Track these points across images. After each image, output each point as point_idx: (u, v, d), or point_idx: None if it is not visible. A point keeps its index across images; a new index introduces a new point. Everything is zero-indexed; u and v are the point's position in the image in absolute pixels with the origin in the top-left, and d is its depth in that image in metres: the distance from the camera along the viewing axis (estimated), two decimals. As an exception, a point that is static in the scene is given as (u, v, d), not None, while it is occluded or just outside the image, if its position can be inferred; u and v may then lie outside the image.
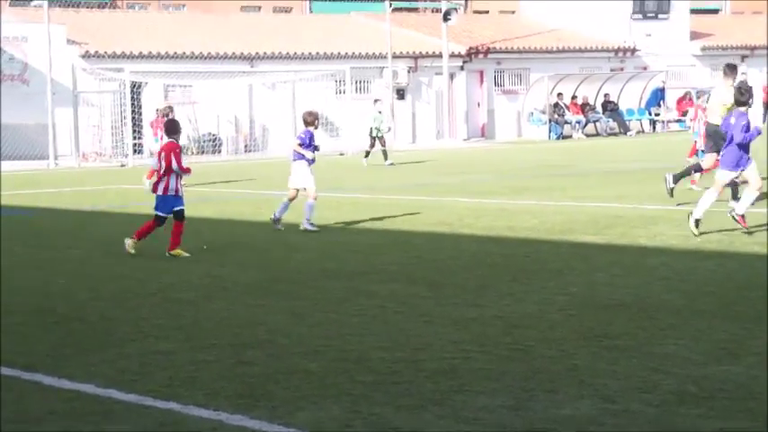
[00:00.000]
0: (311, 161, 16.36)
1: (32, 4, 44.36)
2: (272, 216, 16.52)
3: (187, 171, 14.14)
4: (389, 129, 32.00)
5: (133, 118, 36.95)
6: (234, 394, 7.24)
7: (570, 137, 46.19)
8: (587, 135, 46.62)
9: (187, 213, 19.34)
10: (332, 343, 8.74)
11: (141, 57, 39.41)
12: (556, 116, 46.51)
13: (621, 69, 50.33)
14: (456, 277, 11.81)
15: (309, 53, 42.99)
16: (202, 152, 39.58)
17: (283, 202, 16.56)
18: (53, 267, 13.39)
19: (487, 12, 61.19)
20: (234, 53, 41.56)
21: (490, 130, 47.43)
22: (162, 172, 14.01)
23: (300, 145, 16.31)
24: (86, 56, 38.56)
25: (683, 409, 6.69)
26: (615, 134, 47.63)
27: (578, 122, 46.77)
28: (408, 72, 44.70)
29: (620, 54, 50.54)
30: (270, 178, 27.65)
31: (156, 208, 14.07)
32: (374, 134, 31.79)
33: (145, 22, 44.64)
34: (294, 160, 16.45)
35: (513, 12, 57.35)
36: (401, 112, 44.65)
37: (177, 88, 40.65)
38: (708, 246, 13.50)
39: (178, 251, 13.80)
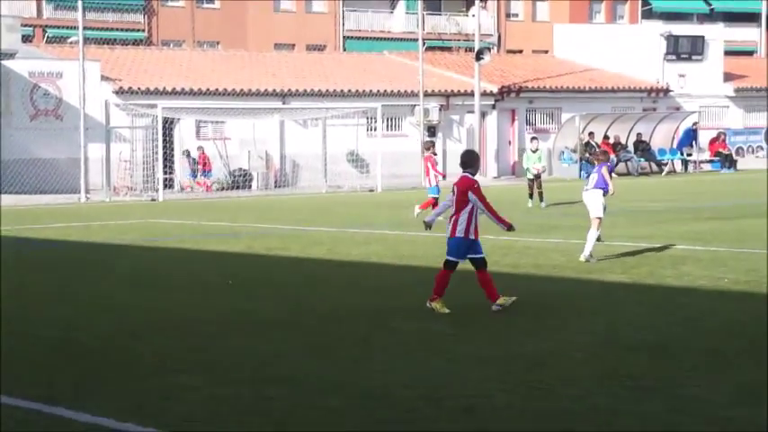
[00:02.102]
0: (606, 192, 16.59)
1: (68, 41, 44.85)
2: (586, 256, 16.05)
3: (500, 219, 12.31)
4: (543, 169, 29.22)
5: (165, 153, 37.19)
6: (253, 430, 7.21)
7: (601, 176, 46.04)
8: (618, 174, 46.43)
9: (216, 248, 19.53)
10: (353, 379, 8.71)
11: (174, 93, 39.69)
12: (587, 155, 46.41)
13: (654, 109, 50.24)
14: (480, 315, 11.76)
15: (341, 90, 43.17)
16: (233, 187, 39.75)
17: (592, 234, 16.34)
18: (79, 300, 13.43)
19: (521, 51, 61.31)
20: (266, 90, 41.79)
21: (521, 169, 47.32)
22: (455, 210, 12.08)
23: (610, 173, 16.68)
24: (120, 92, 38.89)
25: (704, 450, 6.62)
26: (646, 174, 47.48)
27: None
28: (440, 110, 44.78)
29: (653, 94, 50.46)
30: (299, 213, 27.72)
31: (448, 252, 12.11)
32: (528, 175, 29.48)
33: (179, 59, 44.99)
34: (595, 188, 16.77)
35: (547, 51, 57.43)
36: (432, 150, 44.65)
37: (209, 124, 40.92)
38: (736, 287, 13.37)
39: (503, 298, 11.95)
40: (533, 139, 31.53)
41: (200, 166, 39.80)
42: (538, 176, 29.11)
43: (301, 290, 14.13)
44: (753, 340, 10.04)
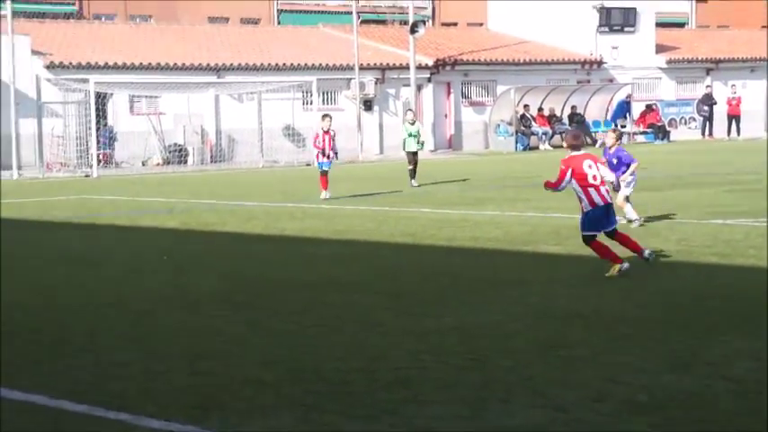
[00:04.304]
0: None
1: (-3, 14, 44.11)
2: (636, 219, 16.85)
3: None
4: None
5: (98, 128, 36.77)
6: (186, 405, 7.19)
7: (537, 148, 46.34)
8: (554, 146, 46.79)
9: (150, 223, 19.39)
10: (288, 353, 8.71)
11: (107, 67, 39.25)
12: (522, 128, 46.67)
13: (588, 82, 50.56)
14: (416, 288, 11.80)
15: (276, 64, 42.95)
16: (168, 163, 39.45)
17: (629, 208, 16.93)
18: (11, 278, 13.27)
19: (456, 24, 61.35)
20: (201, 64, 41.47)
21: (457, 142, 47.52)
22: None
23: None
24: (51, 66, 38.38)
25: (634, 418, 6.70)
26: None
27: (545, 134, 46.95)
28: (376, 83, 44.73)
29: (587, 66, 50.78)
30: (236, 188, 27.58)
31: (613, 223, 12.54)
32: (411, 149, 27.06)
33: (111, 33, 44.45)
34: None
35: (482, 24, 57.52)
36: (368, 124, 44.66)
37: (143, 99, 40.52)
38: (666, 256, 13.55)
39: (648, 250, 12.63)
40: (408, 111, 28.89)
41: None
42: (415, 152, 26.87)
43: (236, 265, 14.09)
44: (681, 308, 10.19)
